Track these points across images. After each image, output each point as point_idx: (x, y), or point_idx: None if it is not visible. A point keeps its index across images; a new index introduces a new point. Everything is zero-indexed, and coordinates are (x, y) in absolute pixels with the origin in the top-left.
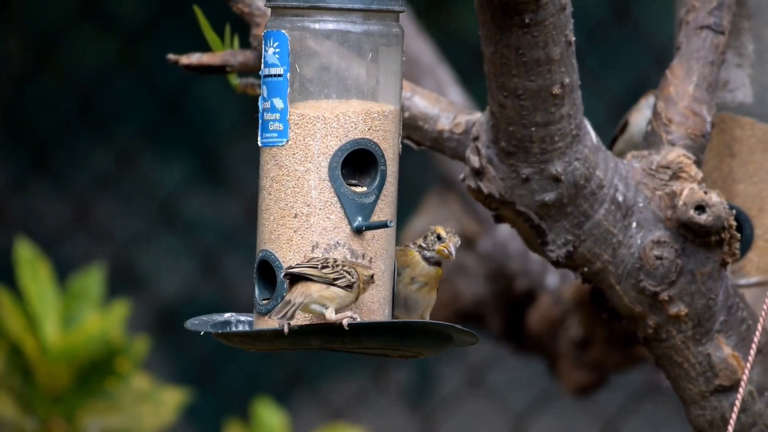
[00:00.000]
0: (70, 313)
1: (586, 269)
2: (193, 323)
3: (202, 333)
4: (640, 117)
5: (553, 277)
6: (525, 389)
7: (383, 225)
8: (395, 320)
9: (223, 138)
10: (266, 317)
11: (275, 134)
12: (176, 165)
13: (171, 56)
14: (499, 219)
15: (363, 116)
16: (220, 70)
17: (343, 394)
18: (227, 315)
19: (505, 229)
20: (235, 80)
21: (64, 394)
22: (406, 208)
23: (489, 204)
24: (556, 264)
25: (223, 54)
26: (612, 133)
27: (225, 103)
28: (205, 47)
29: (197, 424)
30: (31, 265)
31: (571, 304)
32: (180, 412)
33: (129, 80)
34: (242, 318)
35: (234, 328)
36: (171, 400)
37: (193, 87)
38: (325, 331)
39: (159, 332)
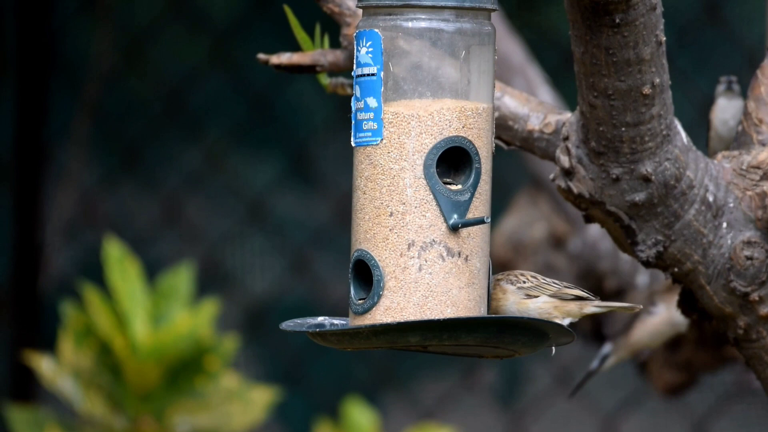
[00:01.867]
0: (159, 311)
1: (676, 269)
2: (288, 325)
3: (303, 331)
4: (717, 109)
5: (643, 277)
6: (615, 389)
7: (480, 221)
8: (493, 315)
9: (312, 137)
10: (362, 316)
11: (369, 133)
12: (266, 164)
13: (261, 56)
14: (588, 219)
15: (457, 114)
16: (310, 70)
17: (432, 394)
18: (320, 318)
19: (595, 229)
20: (325, 80)
21: (153, 392)
22: (496, 208)
23: (579, 204)
24: (646, 264)
25: (313, 53)
26: (702, 133)
27: (315, 102)
28: (295, 47)
29: (286, 423)
30: (121, 264)
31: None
32: (269, 411)
33: (219, 80)
34: (336, 321)
35: None
36: (260, 399)
37: (283, 87)
38: (423, 328)
39: (248, 331)
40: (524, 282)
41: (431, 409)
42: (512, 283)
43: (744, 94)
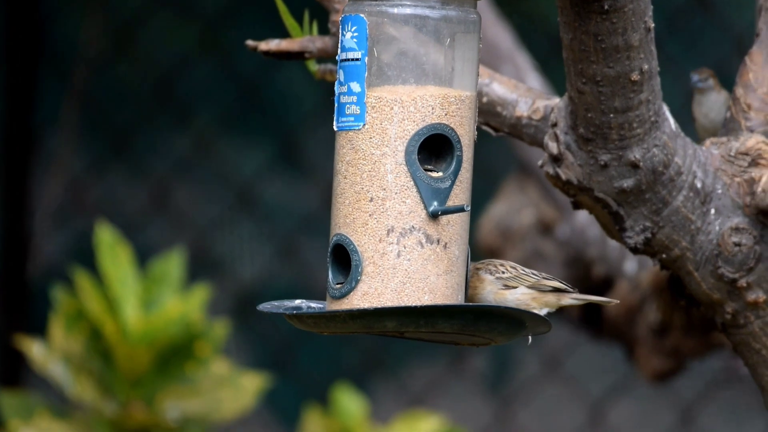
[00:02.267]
0: (150, 297)
1: (664, 256)
2: (265, 307)
3: (280, 313)
4: (694, 103)
5: (631, 264)
6: (603, 376)
7: (460, 209)
8: (470, 304)
9: (301, 124)
10: (339, 300)
11: (352, 118)
12: (255, 151)
13: (250, 42)
14: (577, 205)
15: (440, 101)
16: (298, 57)
17: (421, 381)
18: (298, 301)
19: (583, 216)
20: (313, 66)
21: (143, 377)
22: (484, 194)
23: (567, 190)
24: (634, 250)
25: (301, 40)
26: (691, 119)
27: (303, 89)
28: (284, 33)
29: (276, 408)
30: (112, 249)
31: (649, 291)
32: (259, 397)
33: (208, 66)
34: (313, 304)
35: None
36: (250, 384)
37: (272, 73)
38: (399, 313)
39: (238, 317)
40: (503, 272)
41: (420, 396)
42: (491, 273)
43: (732, 81)
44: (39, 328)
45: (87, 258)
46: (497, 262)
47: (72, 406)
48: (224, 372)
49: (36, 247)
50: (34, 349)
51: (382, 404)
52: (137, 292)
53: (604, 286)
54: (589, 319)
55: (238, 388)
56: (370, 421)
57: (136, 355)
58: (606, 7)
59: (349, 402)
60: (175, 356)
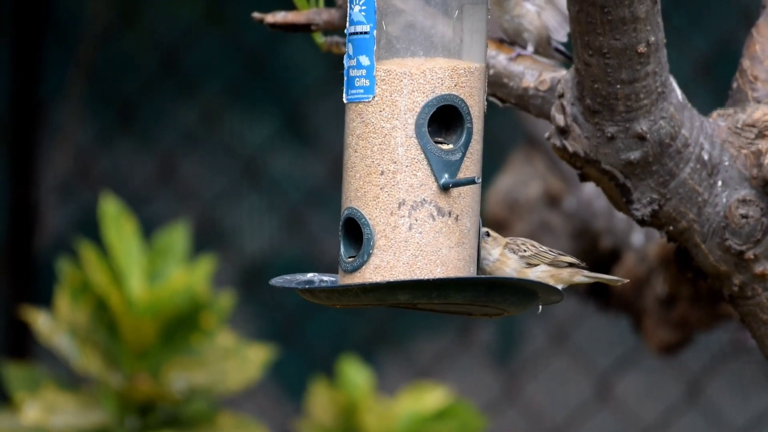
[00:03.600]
0: (155, 268)
1: (671, 228)
2: (277, 281)
3: (293, 287)
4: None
5: (638, 236)
6: (610, 348)
7: (470, 181)
8: (482, 275)
9: (307, 96)
10: (352, 274)
11: (361, 90)
12: (261, 123)
13: (256, 14)
14: (584, 177)
15: (449, 72)
16: (305, 29)
17: (428, 353)
18: (310, 275)
19: (590, 188)
20: (320, 39)
21: (149, 349)
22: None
23: (574, 162)
24: (641, 222)
25: (308, 12)
26: (699, 91)
27: (310, 61)
28: (290, 6)
29: (282, 380)
30: (117, 221)
31: (655, 263)
32: (265, 368)
33: (214, 39)
34: (325, 278)
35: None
36: (256, 356)
37: (278, 45)
38: (412, 286)
39: (244, 289)
40: (525, 251)
41: (427, 368)
42: (514, 252)
43: (739, 53)
44: (45, 300)
45: (93, 230)
46: (519, 240)
47: (78, 379)
48: (230, 344)
49: (42, 219)
50: (40, 321)
51: (389, 377)
52: (142, 263)
53: (611, 258)
54: (596, 291)
55: (244, 360)
56: (376, 394)
57: (142, 327)
58: None
59: (356, 374)
60: (180, 328)
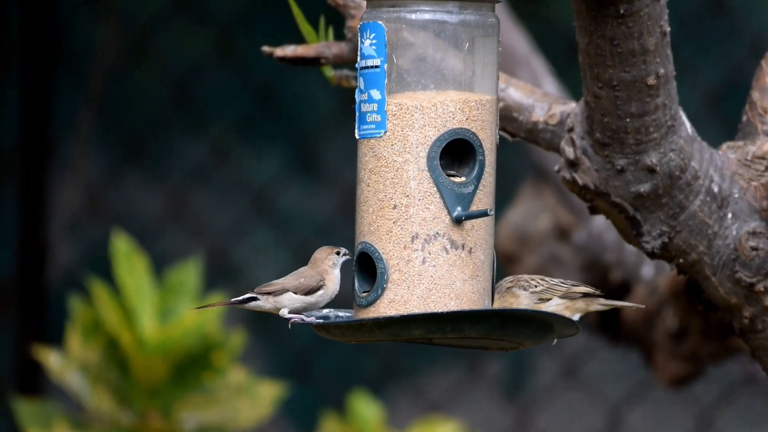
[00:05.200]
0: (166, 306)
1: (681, 260)
2: (293, 318)
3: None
4: None
5: (648, 269)
6: (620, 381)
7: (483, 214)
8: (497, 308)
9: (317, 130)
10: (366, 309)
11: (373, 125)
12: (270, 157)
13: (265, 48)
14: (594, 210)
15: (461, 105)
16: (314, 62)
17: (438, 387)
18: (325, 311)
19: (600, 221)
20: (329, 72)
21: (160, 387)
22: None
23: (584, 195)
24: (651, 255)
25: (317, 46)
26: (709, 123)
27: (319, 95)
28: (299, 39)
29: (294, 417)
30: (128, 258)
31: (666, 296)
32: (277, 405)
33: (223, 72)
34: (341, 313)
35: None
36: (268, 393)
37: (288, 79)
38: (426, 320)
39: (255, 326)
40: (535, 286)
41: (437, 402)
42: (524, 288)
43: (748, 85)
44: (56, 337)
45: (103, 266)
46: (527, 276)
47: (89, 416)
48: (241, 381)
49: (52, 255)
50: (51, 359)
51: (399, 411)
52: (154, 301)
53: (621, 291)
54: (607, 324)
55: (256, 397)
56: (387, 428)
57: (153, 366)
58: (622, 11)
59: (367, 409)
60: (192, 366)
